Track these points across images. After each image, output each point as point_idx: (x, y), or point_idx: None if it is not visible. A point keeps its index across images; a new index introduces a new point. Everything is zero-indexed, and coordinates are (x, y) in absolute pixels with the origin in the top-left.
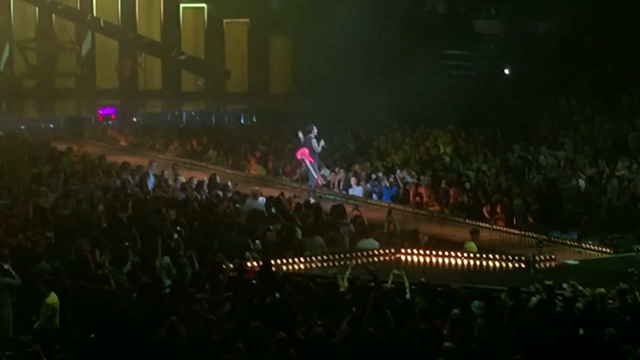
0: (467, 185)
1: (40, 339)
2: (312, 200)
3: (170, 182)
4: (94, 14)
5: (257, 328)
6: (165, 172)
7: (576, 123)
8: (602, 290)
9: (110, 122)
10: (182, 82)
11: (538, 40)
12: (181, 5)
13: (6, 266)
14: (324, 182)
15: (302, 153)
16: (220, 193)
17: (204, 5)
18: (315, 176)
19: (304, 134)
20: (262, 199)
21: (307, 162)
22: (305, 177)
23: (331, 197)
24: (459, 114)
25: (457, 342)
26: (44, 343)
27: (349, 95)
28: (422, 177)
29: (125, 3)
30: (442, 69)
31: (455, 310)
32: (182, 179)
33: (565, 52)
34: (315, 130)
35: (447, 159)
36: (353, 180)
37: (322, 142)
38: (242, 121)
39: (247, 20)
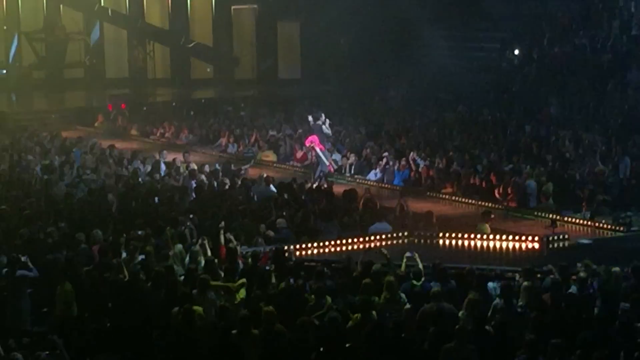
0: (479, 167)
1: (57, 328)
2: (324, 185)
3: (182, 169)
4: (102, 3)
5: (270, 314)
6: (176, 160)
7: (586, 102)
8: (617, 268)
9: (120, 111)
10: (191, 69)
11: (547, 20)
12: None
13: (23, 258)
14: (335, 167)
15: (312, 141)
16: (232, 180)
17: None
18: (327, 163)
19: (314, 120)
20: (273, 185)
21: (317, 150)
22: (317, 162)
23: (343, 181)
24: (468, 95)
25: (472, 323)
26: (61, 332)
27: (358, 79)
28: (433, 160)
29: None
30: (453, 51)
31: (472, 292)
32: (194, 166)
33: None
34: (323, 116)
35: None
36: (368, 165)
37: (328, 122)
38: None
39: (255, 6)
